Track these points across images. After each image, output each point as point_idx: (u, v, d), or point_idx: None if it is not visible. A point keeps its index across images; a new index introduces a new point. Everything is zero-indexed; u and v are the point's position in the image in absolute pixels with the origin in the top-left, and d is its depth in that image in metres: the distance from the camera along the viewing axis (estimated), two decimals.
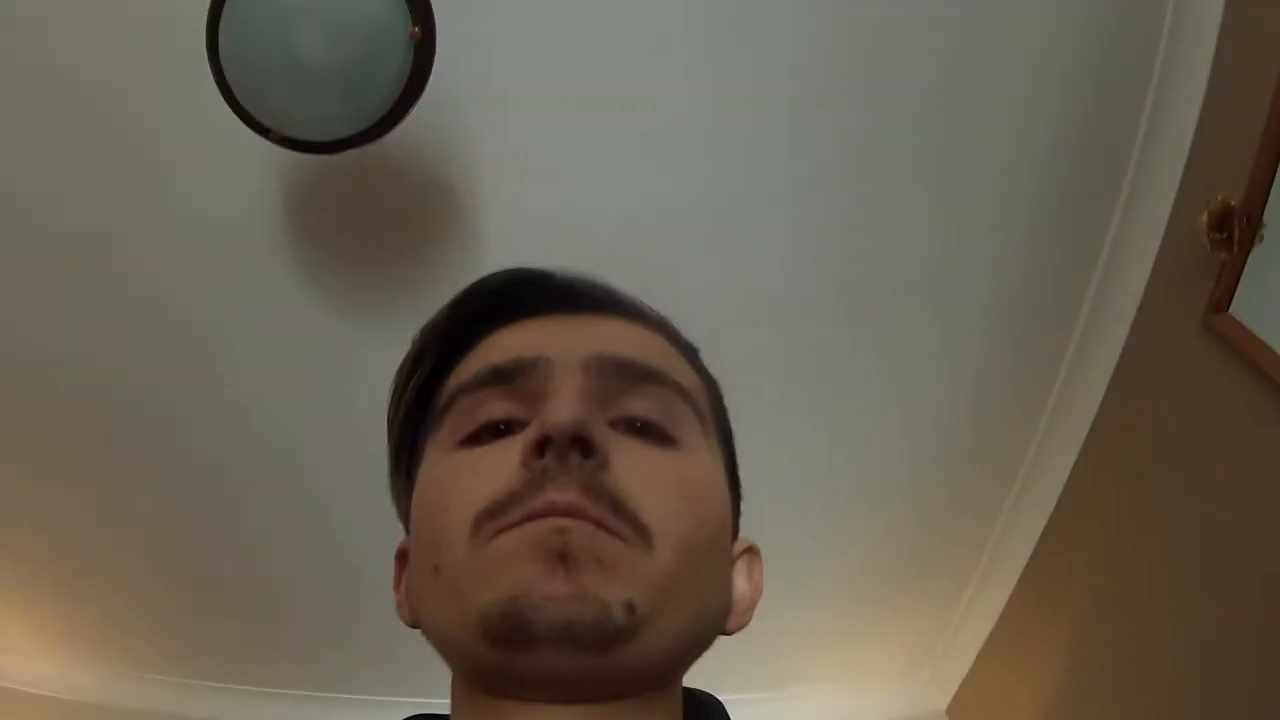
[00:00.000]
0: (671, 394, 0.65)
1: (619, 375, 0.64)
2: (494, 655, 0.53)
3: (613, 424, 0.61)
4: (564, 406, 0.58)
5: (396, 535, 0.73)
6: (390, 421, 0.73)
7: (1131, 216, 2.22)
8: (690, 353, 0.74)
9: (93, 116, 2.05)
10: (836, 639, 3.14)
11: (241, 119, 1.62)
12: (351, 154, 1.68)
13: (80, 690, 3.26)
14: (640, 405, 0.63)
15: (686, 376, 0.69)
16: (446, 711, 0.70)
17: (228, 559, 2.89)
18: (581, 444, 0.56)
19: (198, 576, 2.97)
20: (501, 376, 0.64)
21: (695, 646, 0.61)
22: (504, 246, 2.11)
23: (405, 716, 0.74)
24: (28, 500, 2.80)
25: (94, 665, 3.29)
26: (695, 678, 0.66)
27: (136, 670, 3.28)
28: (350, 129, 1.62)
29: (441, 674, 0.66)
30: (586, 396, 0.61)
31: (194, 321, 2.36)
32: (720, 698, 0.74)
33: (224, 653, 3.22)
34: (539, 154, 2.11)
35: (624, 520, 0.55)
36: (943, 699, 3.24)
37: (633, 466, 0.58)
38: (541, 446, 0.56)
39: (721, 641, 0.65)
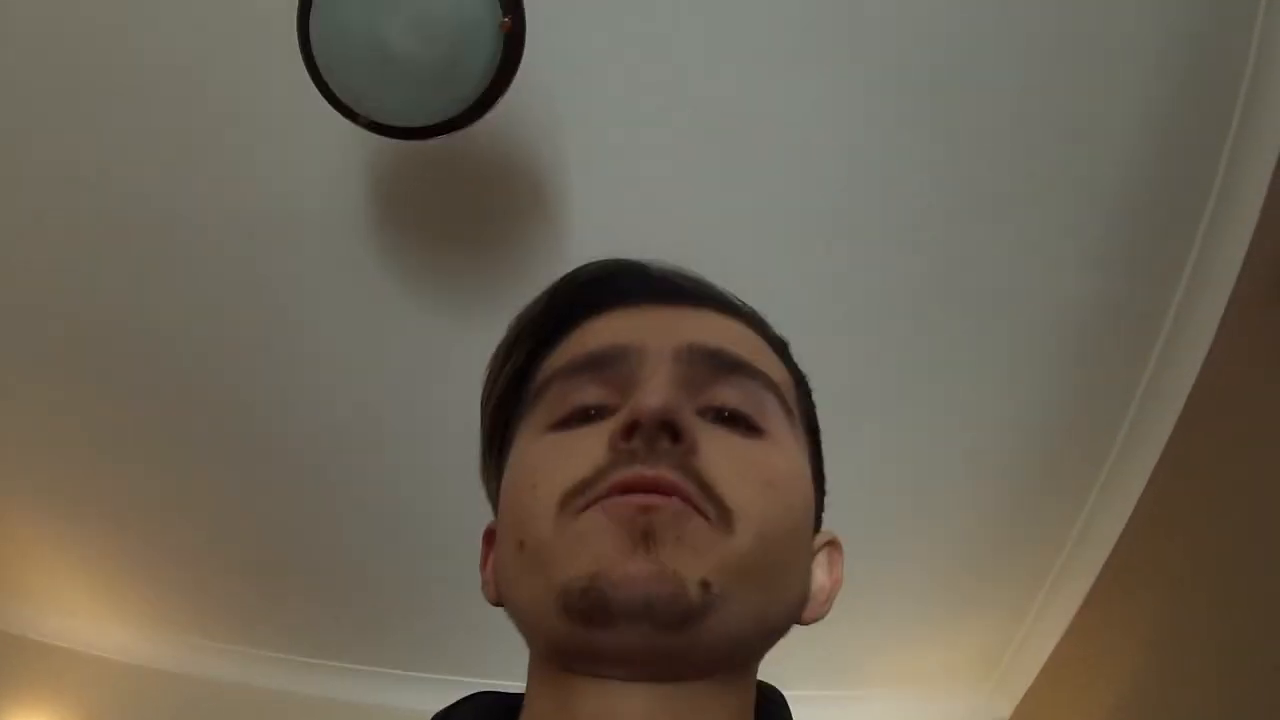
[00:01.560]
0: (760, 385, 0.65)
1: (709, 365, 0.64)
2: (573, 631, 0.53)
3: (701, 413, 0.62)
4: (655, 393, 0.58)
5: (472, 516, 0.74)
6: (484, 406, 0.74)
7: (1213, 241, 2.18)
8: (780, 347, 0.74)
9: (185, 100, 2.09)
10: (902, 644, 3.13)
11: (330, 103, 1.64)
12: (439, 140, 1.69)
13: (147, 656, 3.37)
14: (729, 395, 0.63)
15: (775, 369, 0.70)
16: (514, 691, 0.71)
17: (301, 534, 2.96)
18: (671, 429, 0.56)
19: (269, 550, 3.04)
20: (595, 363, 0.65)
21: (771, 632, 0.61)
22: (585, 238, 2.13)
23: (472, 693, 0.75)
24: (106, 471, 2.88)
25: (163, 632, 3.39)
26: (760, 671, 0.66)
27: (204, 639, 3.38)
28: (438, 116, 1.63)
29: (510, 657, 0.67)
30: (677, 384, 0.61)
31: (278, 303, 2.42)
32: (785, 692, 0.74)
33: (293, 626, 3.29)
34: (624, 152, 2.13)
35: (708, 500, 0.55)
36: (1006, 709, 3.21)
37: (719, 453, 0.58)
38: (631, 430, 0.57)
39: (788, 637, 0.65)
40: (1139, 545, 2.54)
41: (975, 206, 2.19)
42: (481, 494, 0.76)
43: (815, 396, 0.76)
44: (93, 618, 3.39)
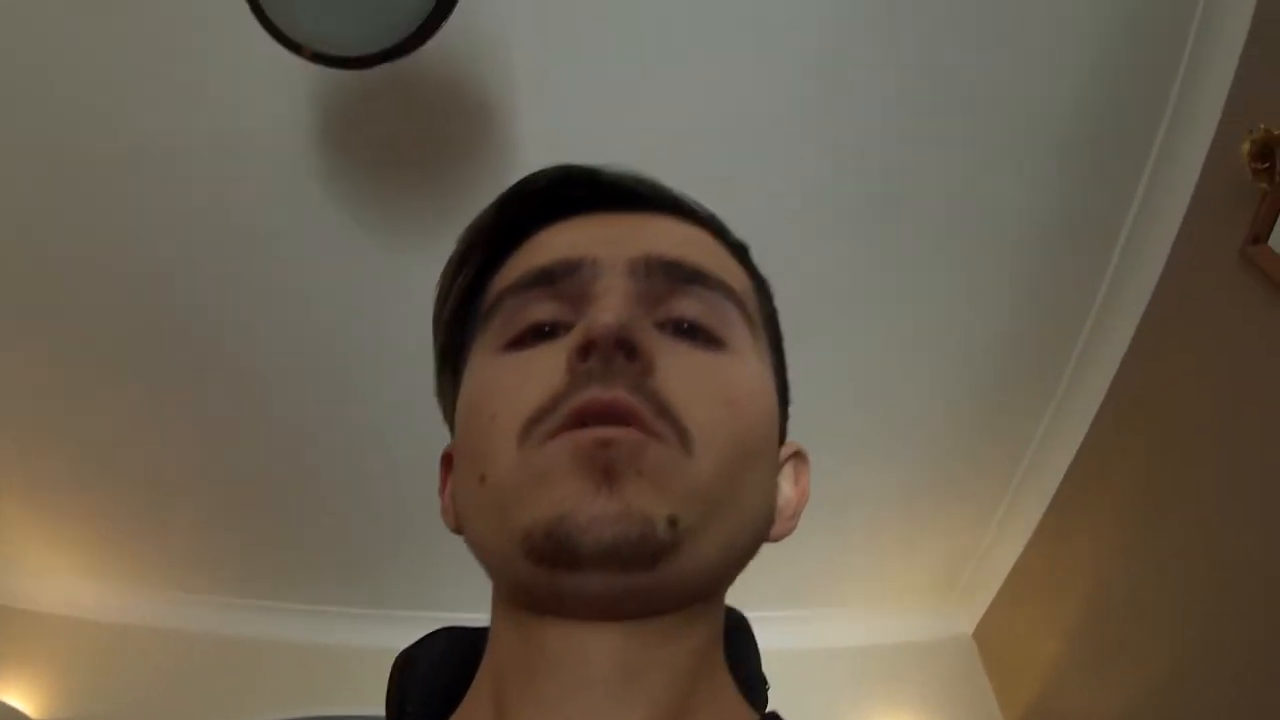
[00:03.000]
0: (720, 296, 0.64)
1: (666, 276, 0.62)
2: (538, 574, 0.52)
3: (660, 325, 0.60)
4: (608, 309, 0.57)
5: (434, 450, 0.73)
6: (436, 321, 0.72)
7: (1172, 143, 2.19)
8: (740, 251, 0.72)
9: (124, 36, 2.04)
10: (865, 561, 3.17)
11: (273, 36, 1.61)
12: (384, 69, 1.66)
13: (121, 614, 3.36)
14: (688, 307, 0.62)
15: (736, 277, 0.68)
16: (476, 625, 0.70)
17: (266, 477, 2.96)
18: (626, 347, 0.55)
19: (235, 495, 3.03)
20: (547, 278, 0.63)
21: (741, 557, 0.60)
22: (538, 161, 2.09)
23: (435, 629, 0.75)
24: (67, 426, 2.85)
25: (135, 588, 3.38)
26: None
27: (173, 590, 3.37)
28: (382, 44, 1.60)
29: (470, 592, 0.66)
30: (632, 298, 0.60)
31: (230, 238, 2.38)
32: (747, 614, 0.74)
33: (260, 571, 3.29)
34: (574, 69, 2.09)
35: (667, 423, 0.54)
36: (969, 623, 3.27)
37: (678, 370, 0.57)
38: (586, 350, 0.55)
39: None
40: (1097, 458, 2.58)
41: (930, 118, 2.18)
42: (438, 428, 0.75)
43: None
44: (64, 578, 3.37)
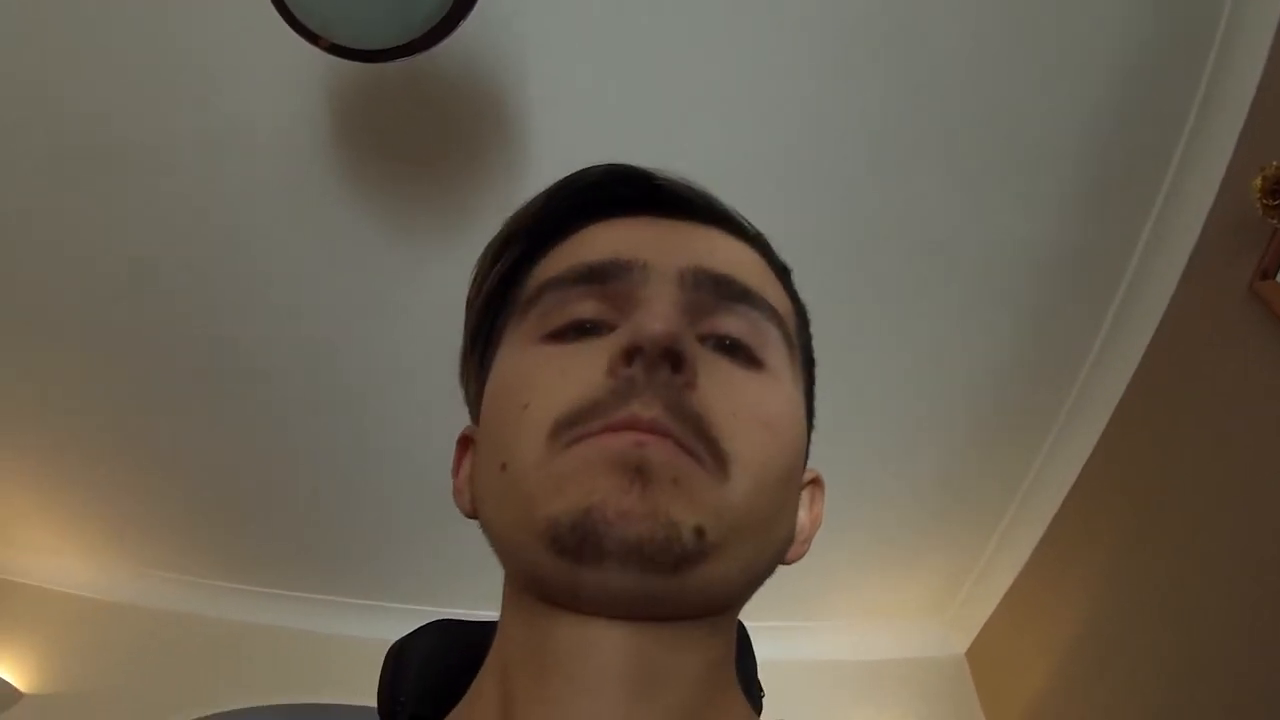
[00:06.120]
0: (764, 316, 0.63)
1: (714, 291, 0.61)
2: (558, 565, 0.52)
3: (702, 339, 0.59)
4: (659, 316, 0.55)
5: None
6: (469, 303, 0.71)
7: (1183, 179, 2.18)
8: (784, 274, 0.72)
9: (142, 23, 2.04)
10: (861, 577, 3.17)
11: (292, 26, 1.61)
12: (400, 64, 1.66)
13: (110, 591, 3.38)
14: (732, 324, 0.61)
15: (779, 299, 0.67)
16: (473, 619, 0.70)
17: (259, 465, 2.96)
18: (672, 358, 0.54)
19: (222, 478, 3.04)
20: (595, 275, 0.62)
21: (759, 577, 0.59)
22: (550, 162, 2.10)
23: (429, 621, 0.75)
24: (56, 402, 2.86)
25: (125, 567, 3.40)
26: None
27: (166, 571, 3.39)
28: (400, 39, 1.60)
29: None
30: (680, 309, 0.59)
31: (237, 226, 2.38)
32: (744, 623, 0.74)
33: (253, 556, 3.30)
34: (588, 72, 2.09)
35: (704, 444, 0.53)
36: (963, 643, 3.27)
37: (718, 388, 0.56)
38: (631, 355, 0.54)
39: None
40: (1097, 484, 2.57)
41: (930, 149, 2.18)
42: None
43: None
44: (56, 554, 3.39)
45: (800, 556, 0.65)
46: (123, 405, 2.82)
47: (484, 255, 0.71)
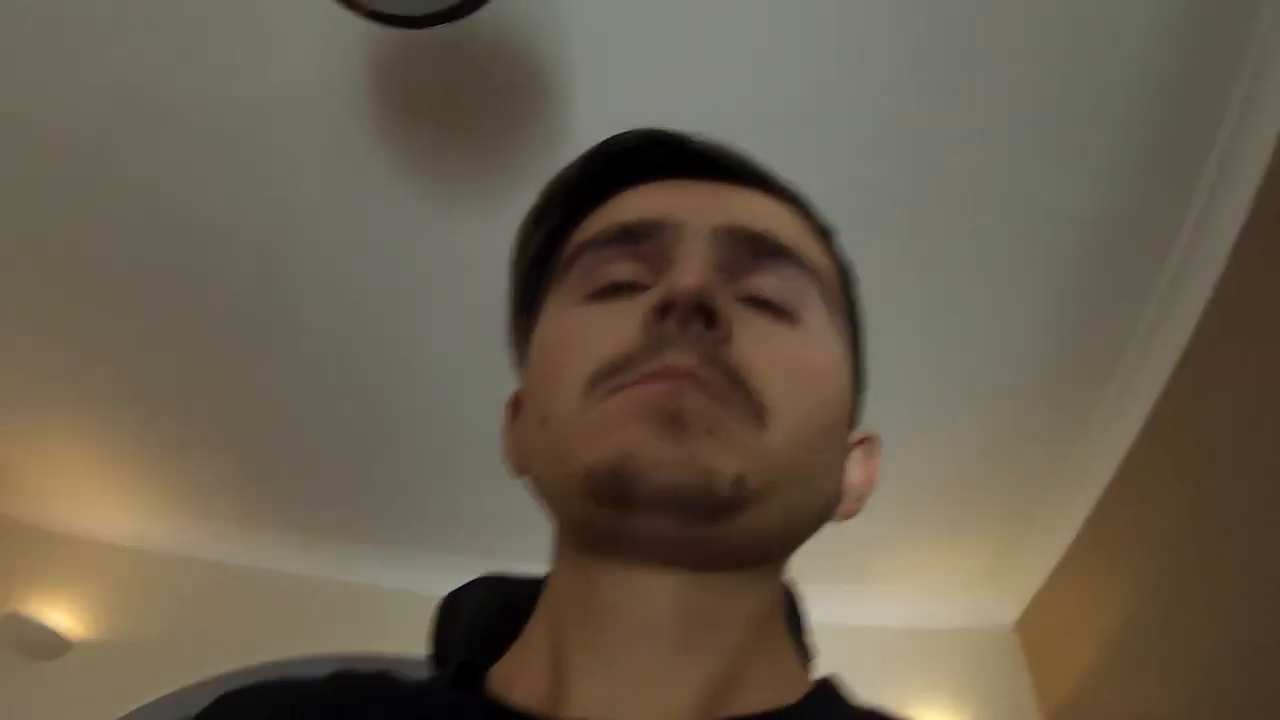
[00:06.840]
0: (801, 274, 0.63)
1: (749, 248, 0.62)
2: (597, 513, 0.52)
3: (737, 297, 0.60)
4: (691, 272, 0.56)
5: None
6: (513, 268, 0.72)
7: (1242, 132, 2.12)
8: (824, 234, 0.71)
9: None
10: (912, 544, 3.16)
11: None
12: (439, 30, 1.65)
13: (158, 542, 3.47)
14: (768, 282, 0.61)
15: (818, 257, 0.67)
16: (524, 575, 0.70)
17: (307, 418, 3.02)
18: (705, 313, 0.54)
19: (274, 433, 3.10)
20: (629, 236, 0.63)
21: (803, 529, 0.59)
22: (589, 131, 2.09)
23: (482, 575, 0.75)
24: (110, 359, 2.91)
25: (173, 518, 3.48)
26: None
27: (214, 523, 3.47)
28: (440, 4, 1.60)
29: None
30: (713, 266, 0.59)
31: (277, 192, 2.39)
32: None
33: (304, 507, 3.37)
34: (630, 42, 2.07)
35: (740, 394, 0.53)
36: (1012, 614, 3.25)
37: (754, 342, 0.56)
38: (664, 310, 0.55)
39: None
40: (1151, 452, 2.53)
41: (974, 108, 2.13)
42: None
43: None
44: (106, 506, 3.46)
45: (853, 514, 0.65)
46: (175, 361, 2.86)
47: (525, 221, 0.72)
